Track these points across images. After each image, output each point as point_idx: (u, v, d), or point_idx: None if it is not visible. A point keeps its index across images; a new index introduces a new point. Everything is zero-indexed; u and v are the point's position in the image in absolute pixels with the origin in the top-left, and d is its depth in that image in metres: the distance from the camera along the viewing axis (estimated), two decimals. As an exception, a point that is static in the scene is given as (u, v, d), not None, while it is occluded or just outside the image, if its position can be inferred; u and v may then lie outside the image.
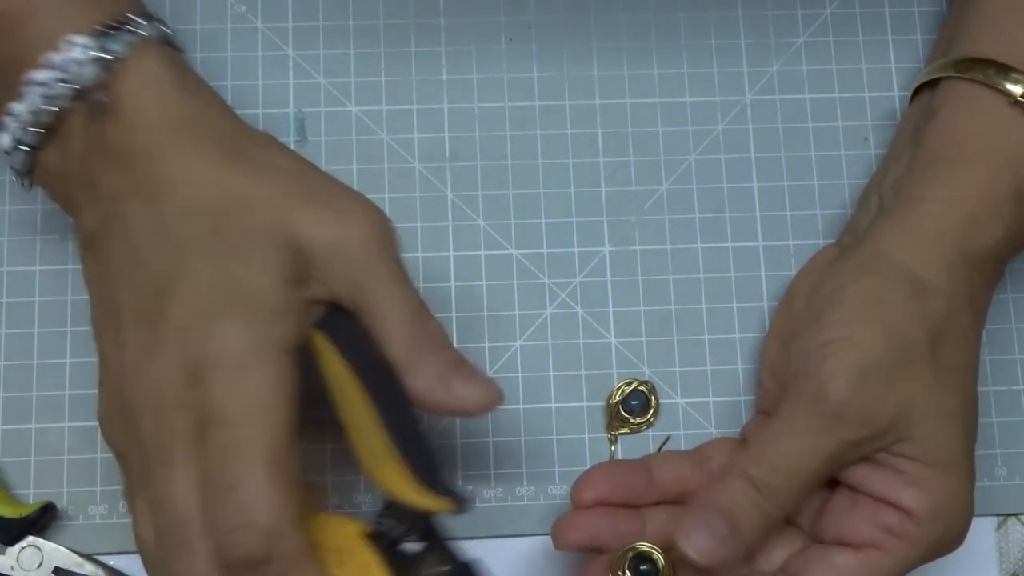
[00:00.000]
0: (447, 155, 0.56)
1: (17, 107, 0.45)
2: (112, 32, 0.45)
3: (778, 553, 0.47)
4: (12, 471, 0.52)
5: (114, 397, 0.43)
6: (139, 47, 0.45)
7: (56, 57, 0.44)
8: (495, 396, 0.44)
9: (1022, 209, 0.48)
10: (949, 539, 0.45)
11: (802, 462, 0.45)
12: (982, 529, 0.53)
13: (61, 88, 0.44)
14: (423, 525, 0.43)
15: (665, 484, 0.48)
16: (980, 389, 0.54)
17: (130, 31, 0.45)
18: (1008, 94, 0.48)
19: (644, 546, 0.46)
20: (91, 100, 0.44)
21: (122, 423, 0.42)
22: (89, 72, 0.44)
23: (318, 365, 0.44)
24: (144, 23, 0.45)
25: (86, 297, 0.53)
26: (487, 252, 0.55)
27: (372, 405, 0.43)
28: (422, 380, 0.43)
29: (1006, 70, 0.48)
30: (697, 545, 0.44)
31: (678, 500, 0.48)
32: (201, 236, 0.43)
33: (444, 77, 0.57)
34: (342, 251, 0.43)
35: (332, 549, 0.43)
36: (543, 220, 0.55)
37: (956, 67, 0.50)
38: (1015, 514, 0.54)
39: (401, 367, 0.43)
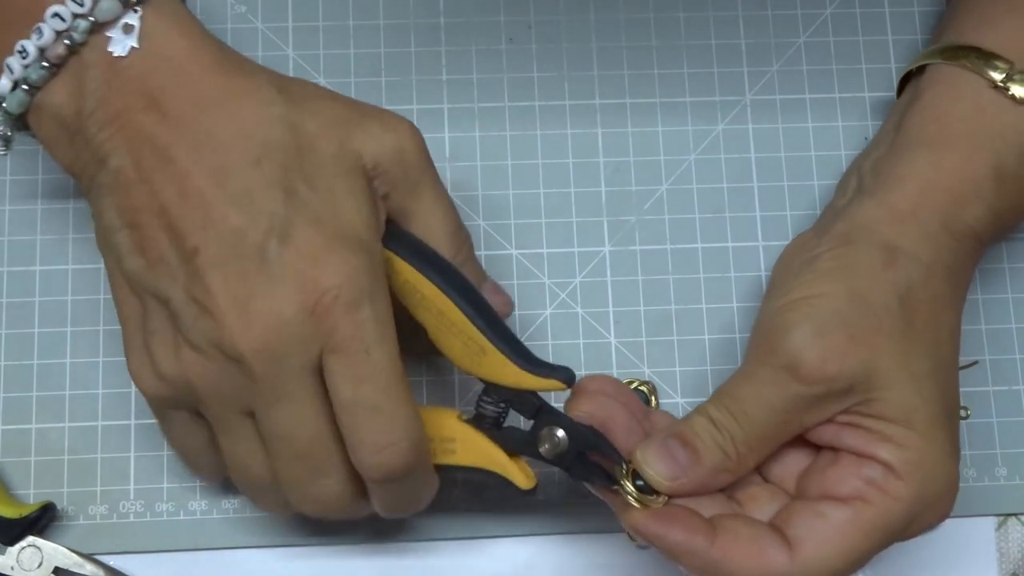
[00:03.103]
0: (447, 155, 0.56)
1: (25, 43, 0.44)
2: None
3: (767, 510, 0.46)
4: (12, 471, 0.52)
5: (206, 343, 0.42)
6: None
7: None
8: (510, 305, 0.51)
9: (1003, 189, 0.48)
10: (931, 502, 0.44)
11: (757, 412, 0.45)
12: (982, 529, 0.53)
13: (80, 22, 0.44)
14: (530, 404, 0.46)
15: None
16: (980, 388, 0.54)
17: None
18: (990, 79, 0.48)
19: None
20: (119, 32, 0.44)
21: (220, 363, 0.42)
22: (109, 8, 0.44)
23: (390, 281, 0.46)
24: None
25: (87, 297, 0.53)
26: (487, 252, 0.55)
27: (456, 303, 0.46)
28: (478, 269, 0.49)
29: (989, 57, 0.49)
30: (657, 468, 0.44)
31: None
32: (280, 176, 0.43)
33: (444, 77, 0.57)
34: (399, 159, 0.46)
35: (437, 439, 0.46)
36: (543, 220, 0.55)
37: (942, 54, 0.50)
38: (1015, 514, 0.54)
39: (460, 253, 0.48)
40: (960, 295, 0.48)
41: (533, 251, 0.55)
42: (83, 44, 0.44)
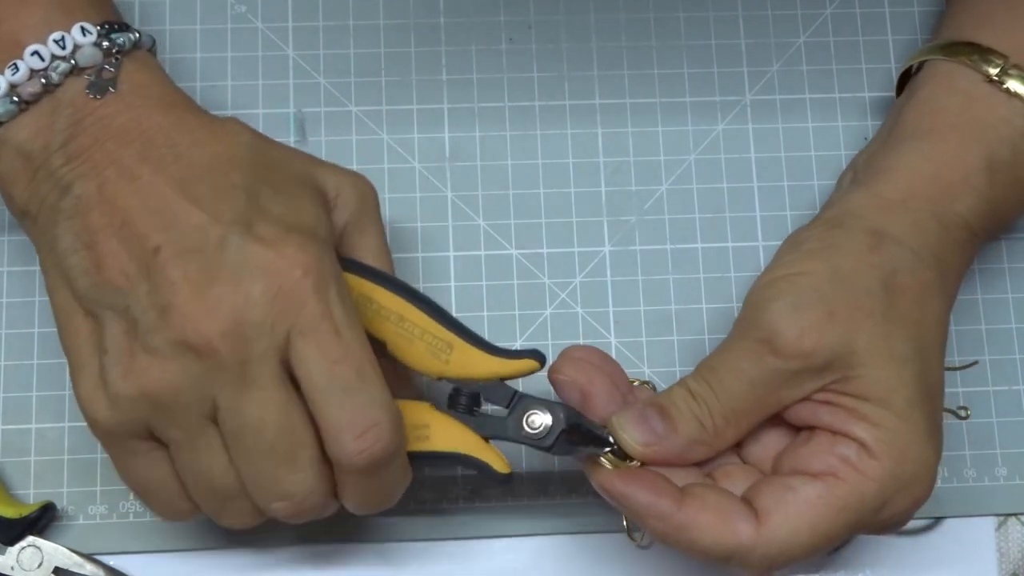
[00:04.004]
0: (447, 155, 0.56)
1: None
2: (116, 30, 0.46)
3: (740, 488, 0.46)
4: (12, 471, 0.52)
5: (163, 342, 0.42)
6: (136, 46, 0.47)
7: (62, 35, 0.45)
8: None
9: (996, 181, 0.48)
10: (904, 483, 0.44)
11: (735, 384, 0.45)
12: (982, 529, 0.53)
13: (59, 64, 0.45)
14: (505, 393, 0.46)
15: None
16: (980, 388, 0.55)
17: (130, 32, 0.47)
18: (985, 73, 0.49)
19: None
20: (95, 76, 0.45)
21: (180, 360, 0.42)
22: (92, 54, 0.45)
23: None
24: (139, 32, 0.47)
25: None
26: (487, 252, 0.55)
27: (415, 305, 0.46)
28: None
29: (985, 52, 0.49)
30: (633, 434, 0.45)
31: None
32: (245, 182, 0.44)
33: (444, 77, 0.57)
34: (358, 194, 0.47)
35: (409, 426, 0.45)
36: (543, 220, 0.55)
37: (939, 51, 0.51)
38: (1015, 514, 0.54)
39: None
40: (949, 285, 0.47)
41: (533, 251, 0.55)
42: (58, 85, 0.45)
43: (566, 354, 0.46)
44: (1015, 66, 0.48)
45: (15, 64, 0.45)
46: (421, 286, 0.54)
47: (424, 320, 0.46)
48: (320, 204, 0.46)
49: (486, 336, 0.53)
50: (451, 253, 0.55)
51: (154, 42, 0.49)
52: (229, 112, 0.55)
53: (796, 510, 0.43)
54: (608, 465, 0.45)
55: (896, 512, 0.45)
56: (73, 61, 0.45)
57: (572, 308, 0.55)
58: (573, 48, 0.57)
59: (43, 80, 0.45)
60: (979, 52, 0.49)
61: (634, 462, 0.45)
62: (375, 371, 0.42)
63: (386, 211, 0.55)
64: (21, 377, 0.53)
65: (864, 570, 0.53)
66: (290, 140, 0.55)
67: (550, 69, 0.57)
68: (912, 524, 0.53)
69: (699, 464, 0.46)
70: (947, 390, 0.54)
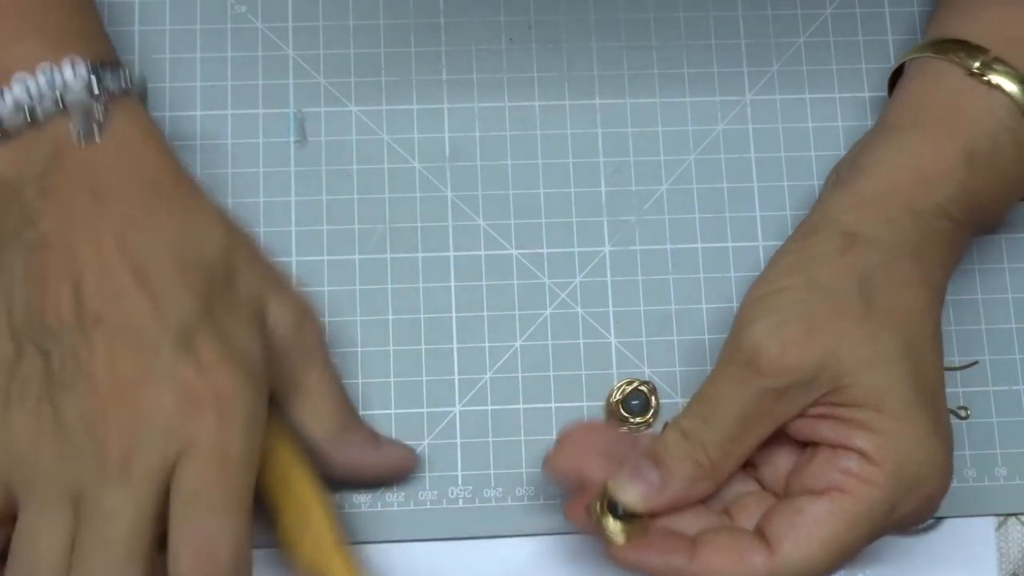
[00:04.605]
0: (447, 155, 0.56)
1: None
2: (107, 70, 0.46)
3: (756, 517, 0.46)
4: (12, 471, 0.52)
5: (66, 402, 0.42)
6: (127, 91, 0.47)
7: (51, 67, 0.45)
8: (414, 455, 0.51)
9: (976, 171, 0.48)
10: (912, 484, 0.44)
11: (726, 411, 0.45)
12: (982, 529, 0.53)
13: (46, 101, 0.45)
14: None
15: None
16: (980, 388, 0.54)
17: (122, 73, 0.47)
18: (968, 67, 0.49)
19: None
20: (82, 121, 0.45)
21: (72, 429, 0.42)
22: (79, 98, 0.45)
23: (265, 470, 0.47)
24: (129, 72, 0.47)
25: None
26: (487, 252, 0.55)
27: (321, 502, 0.47)
28: (356, 447, 0.49)
29: (968, 46, 0.49)
30: (631, 493, 0.45)
31: None
32: (201, 290, 0.44)
33: (444, 77, 0.57)
34: (297, 329, 0.47)
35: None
36: (543, 220, 0.55)
37: (925, 48, 0.51)
38: (1015, 514, 0.54)
39: (332, 440, 0.48)
40: (932, 275, 0.47)
41: (533, 251, 0.55)
42: (42, 121, 0.45)
43: (559, 440, 0.48)
44: (997, 59, 0.49)
45: (1, 93, 0.45)
46: (421, 286, 0.54)
47: (321, 512, 0.47)
48: (260, 338, 0.46)
49: (485, 336, 0.54)
50: (451, 253, 0.55)
51: (145, 88, 0.49)
52: (229, 111, 0.55)
53: (806, 532, 0.43)
54: (617, 531, 0.45)
55: (910, 512, 0.45)
56: (59, 101, 0.45)
57: (572, 308, 0.55)
58: (573, 48, 0.57)
59: (28, 116, 0.45)
60: (964, 48, 0.49)
61: (642, 519, 0.45)
62: (241, 511, 0.42)
63: (386, 211, 0.55)
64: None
65: (864, 570, 0.53)
66: (290, 140, 0.55)
67: (550, 69, 0.57)
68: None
69: (714, 497, 0.47)
70: (947, 390, 0.54)
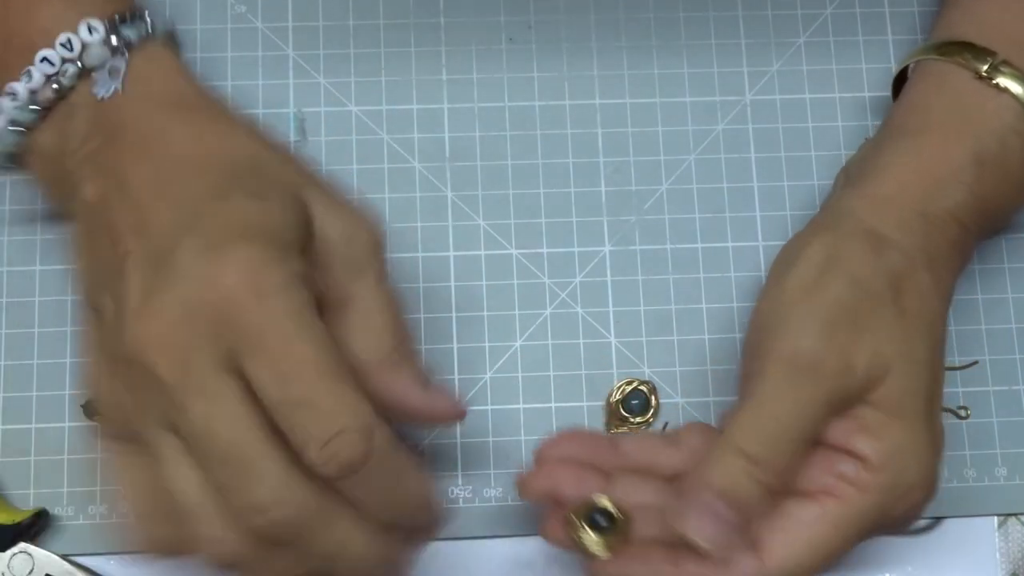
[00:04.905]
0: (447, 155, 0.56)
1: (16, 86, 0.45)
2: (125, 23, 0.46)
3: None
4: (12, 471, 0.52)
5: (118, 348, 0.41)
6: (147, 38, 0.47)
7: (68, 37, 0.45)
8: (461, 411, 0.46)
9: (984, 174, 0.48)
10: (903, 492, 0.44)
11: (791, 422, 0.43)
12: (982, 529, 0.53)
13: (68, 67, 0.45)
14: None
15: (632, 454, 0.47)
16: (980, 388, 0.54)
17: (142, 22, 0.47)
18: (975, 69, 0.49)
19: (603, 500, 0.45)
20: (102, 75, 0.45)
21: (123, 370, 0.41)
22: (100, 53, 0.45)
23: None
24: (151, 20, 0.47)
25: (86, 297, 0.53)
26: (487, 252, 0.55)
27: None
28: (404, 378, 0.44)
29: (975, 49, 0.49)
30: (702, 531, 0.43)
31: (645, 471, 0.47)
32: (221, 183, 0.43)
33: (444, 77, 0.57)
34: (346, 243, 0.44)
35: None
36: (543, 220, 0.55)
37: (931, 51, 0.51)
38: (1015, 514, 0.54)
39: (382, 363, 0.44)
40: (944, 284, 0.47)
41: (533, 251, 0.55)
42: (71, 88, 0.45)
43: (535, 462, 0.47)
44: (1004, 62, 0.49)
45: (29, 71, 0.45)
46: (421, 286, 0.54)
47: None
48: (293, 211, 0.43)
49: (485, 336, 0.54)
50: (451, 253, 0.55)
51: (170, 30, 0.49)
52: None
53: (794, 535, 0.43)
54: (598, 545, 0.44)
55: (897, 516, 0.45)
56: (80, 63, 0.45)
57: (572, 308, 0.55)
58: (573, 48, 0.57)
59: (55, 85, 0.45)
60: (971, 50, 0.49)
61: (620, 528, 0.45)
62: (334, 379, 0.40)
63: (386, 211, 0.55)
64: (21, 377, 0.53)
65: (864, 570, 0.53)
66: (290, 140, 0.55)
67: (550, 69, 0.57)
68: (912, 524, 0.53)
69: None
70: (947, 390, 0.54)
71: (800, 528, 0.43)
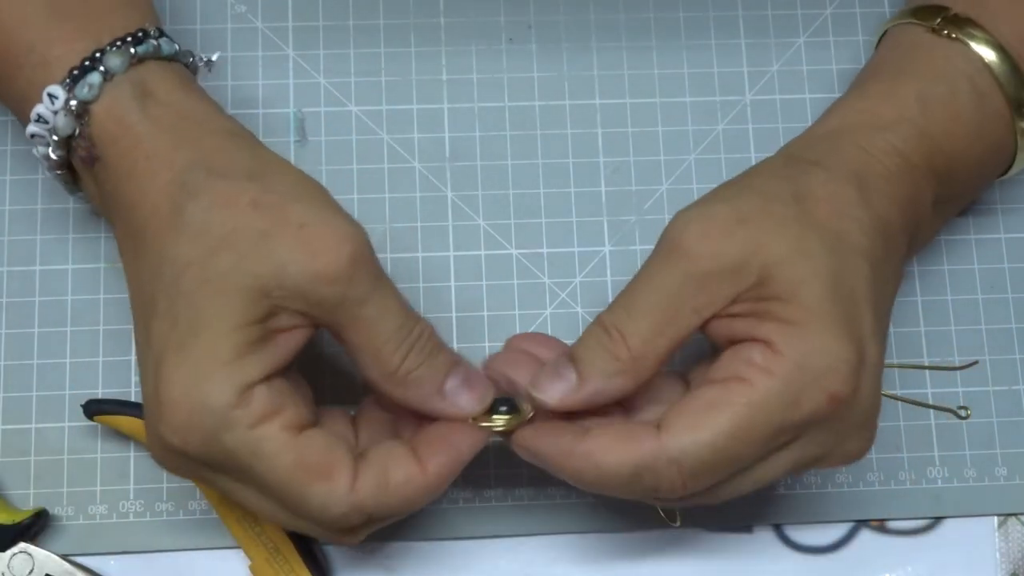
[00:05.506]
0: (447, 155, 0.56)
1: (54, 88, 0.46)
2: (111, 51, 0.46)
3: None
4: (12, 471, 0.52)
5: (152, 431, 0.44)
6: (141, 60, 0.46)
7: (55, 91, 0.46)
8: (488, 397, 0.46)
9: (930, 114, 0.48)
10: (813, 377, 0.42)
11: (646, 299, 0.44)
12: (982, 529, 0.53)
13: (61, 120, 0.46)
14: None
15: None
16: (980, 388, 0.55)
17: (139, 43, 0.47)
18: (929, 24, 0.50)
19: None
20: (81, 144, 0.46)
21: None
22: (64, 124, 0.46)
23: (231, 509, 0.50)
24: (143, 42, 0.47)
25: (87, 297, 0.54)
26: (487, 252, 0.55)
27: (295, 544, 0.50)
28: (412, 392, 0.45)
29: (931, 8, 0.50)
30: (547, 391, 0.44)
31: None
32: (178, 272, 0.44)
33: (444, 77, 0.57)
34: (312, 287, 0.43)
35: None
36: (543, 220, 0.55)
37: (899, 16, 0.52)
38: (1015, 514, 0.54)
39: (388, 381, 0.44)
40: (875, 203, 0.46)
41: (533, 251, 0.55)
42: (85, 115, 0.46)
43: (504, 346, 0.48)
44: (956, 16, 0.49)
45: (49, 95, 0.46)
46: (421, 286, 0.54)
47: (296, 560, 0.50)
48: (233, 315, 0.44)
49: (485, 336, 0.53)
50: (451, 253, 0.55)
51: (176, 52, 0.48)
52: (230, 111, 0.55)
53: (695, 412, 0.43)
54: (501, 422, 0.45)
55: (812, 412, 0.43)
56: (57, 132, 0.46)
57: (572, 308, 0.55)
58: (573, 48, 0.57)
59: (75, 118, 0.46)
60: (928, 10, 0.50)
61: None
62: (296, 493, 0.43)
63: (386, 211, 0.55)
64: (21, 377, 0.53)
65: (863, 569, 0.53)
66: (290, 140, 0.55)
67: (550, 69, 0.57)
68: (912, 524, 0.53)
69: (640, 407, 0.46)
70: (947, 390, 0.54)
71: (701, 406, 0.43)
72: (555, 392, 0.44)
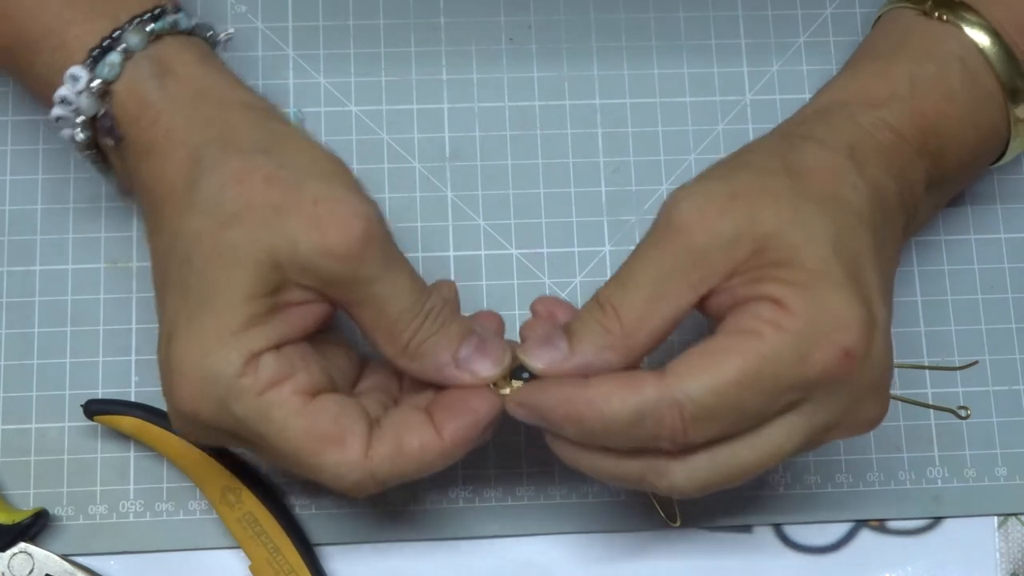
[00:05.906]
0: (447, 155, 0.56)
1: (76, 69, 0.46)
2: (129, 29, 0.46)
3: None
4: (12, 471, 0.52)
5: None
6: (159, 36, 0.47)
7: (64, 91, 0.46)
8: (504, 360, 0.45)
9: (921, 92, 0.48)
10: (821, 333, 0.42)
11: (640, 271, 0.44)
12: (982, 529, 0.53)
13: (84, 100, 0.46)
14: None
15: None
16: (980, 388, 0.55)
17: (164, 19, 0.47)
18: (921, 7, 0.50)
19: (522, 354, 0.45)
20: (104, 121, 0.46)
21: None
22: (88, 103, 0.46)
23: (231, 510, 0.51)
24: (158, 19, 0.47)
25: (87, 297, 0.54)
26: (487, 252, 0.55)
27: (296, 546, 0.50)
28: (427, 365, 0.45)
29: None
30: (536, 358, 0.44)
31: None
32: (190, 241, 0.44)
33: (444, 77, 0.57)
34: (322, 264, 0.43)
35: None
36: (543, 220, 0.55)
37: (892, 1, 0.52)
38: (1015, 514, 0.54)
39: (400, 357, 0.45)
40: (868, 172, 0.46)
41: (533, 251, 0.55)
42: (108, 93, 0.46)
43: (532, 310, 0.48)
44: None
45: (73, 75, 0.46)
46: (421, 286, 0.54)
47: (297, 562, 0.50)
48: (261, 277, 0.44)
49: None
50: (451, 253, 0.55)
51: (194, 26, 0.49)
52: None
53: (701, 357, 0.42)
54: (510, 387, 0.45)
55: (825, 368, 0.42)
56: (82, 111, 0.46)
57: (572, 308, 0.55)
58: (573, 48, 0.58)
59: (98, 96, 0.46)
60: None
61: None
62: (312, 452, 0.43)
63: (386, 211, 0.55)
64: (21, 377, 0.53)
65: (863, 569, 0.53)
66: (290, 140, 0.55)
67: (550, 69, 0.57)
68: (912, 524, 0.53)
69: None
70: (947, 390, 0.54)
71: (709, 354, 0.42)
72: (544, 359, 0.44)
